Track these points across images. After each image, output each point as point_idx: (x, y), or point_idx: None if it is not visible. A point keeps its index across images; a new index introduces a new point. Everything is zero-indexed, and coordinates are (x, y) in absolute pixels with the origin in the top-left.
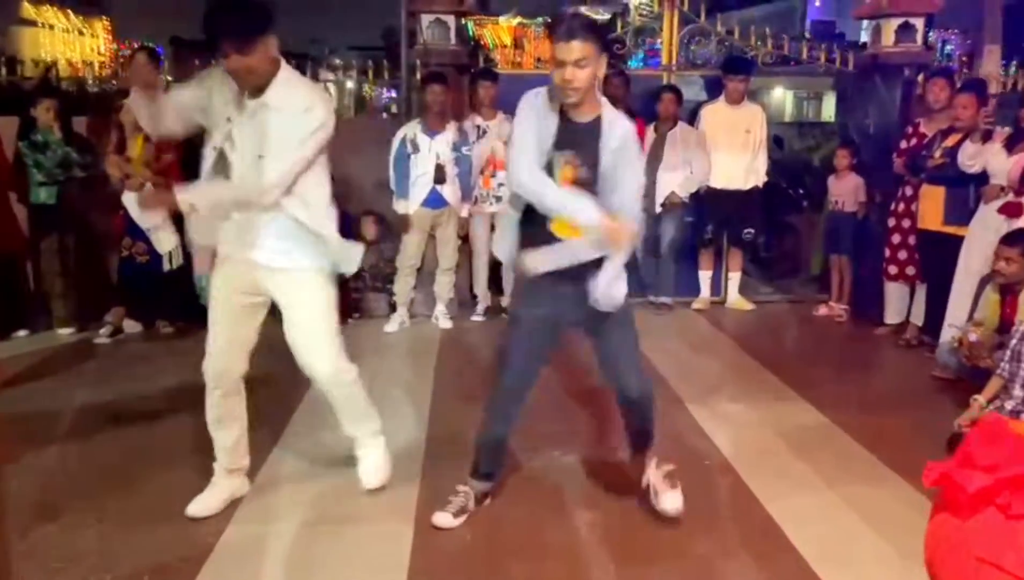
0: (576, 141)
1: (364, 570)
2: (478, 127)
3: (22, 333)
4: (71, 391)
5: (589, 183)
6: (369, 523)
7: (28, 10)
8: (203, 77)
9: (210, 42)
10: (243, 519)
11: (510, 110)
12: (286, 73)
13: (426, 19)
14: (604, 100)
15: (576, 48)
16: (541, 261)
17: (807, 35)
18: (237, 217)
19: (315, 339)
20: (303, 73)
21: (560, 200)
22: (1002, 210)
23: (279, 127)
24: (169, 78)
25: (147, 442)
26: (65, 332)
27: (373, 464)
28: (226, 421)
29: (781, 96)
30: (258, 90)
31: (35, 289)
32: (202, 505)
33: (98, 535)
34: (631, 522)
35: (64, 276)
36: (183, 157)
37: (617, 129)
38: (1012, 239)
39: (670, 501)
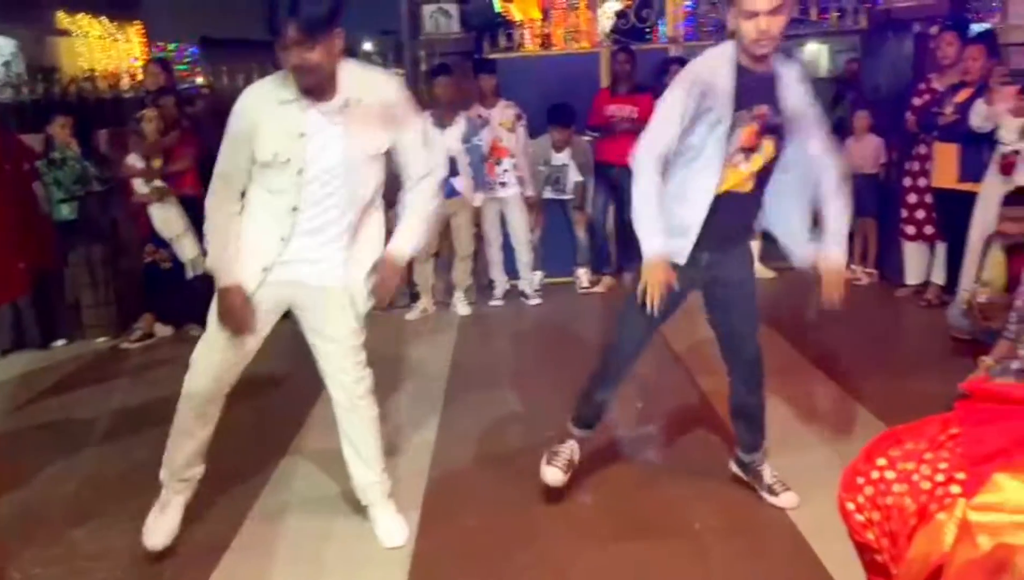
0: (762, 92)
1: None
2: (479, 116)
3: (60, 343)
4: (106, 396)
5: (780, 131)
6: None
7: (62, 20)
8: (240, 114)
9: (277, 32)
10: (258, 515)
11: (520, 100)
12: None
13: (428, 9)
14: None
15: None
16: None
17: None
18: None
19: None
20: None
21: (643, 213)
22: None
23: (383, 119)
24: (200, 80)
25: None
26: (99, 340)
27: (390, 520)
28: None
29: (815, 51)
30: (323, 90)
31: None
32: (162, 535)
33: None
34: (625, 491)
35: (93, 287)
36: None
37: (792, 66)
38: (1016, 197)
39: (789, 500)
